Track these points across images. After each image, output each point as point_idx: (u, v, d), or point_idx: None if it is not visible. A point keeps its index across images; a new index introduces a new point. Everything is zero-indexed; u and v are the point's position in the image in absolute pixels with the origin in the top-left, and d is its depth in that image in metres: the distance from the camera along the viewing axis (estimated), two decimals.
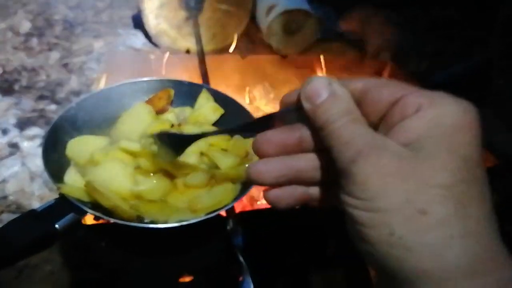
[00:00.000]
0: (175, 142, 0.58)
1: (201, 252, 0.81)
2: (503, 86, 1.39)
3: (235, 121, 0.84)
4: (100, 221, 0.67)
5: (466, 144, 0.29)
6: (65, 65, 1.59)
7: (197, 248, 0.80)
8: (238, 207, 1.03)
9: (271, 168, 0.35)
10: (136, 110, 0.82)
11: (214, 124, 0.85)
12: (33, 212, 0.55)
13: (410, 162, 0.29)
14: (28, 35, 1.67)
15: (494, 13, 1.40)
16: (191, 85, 0.92)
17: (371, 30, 1.37)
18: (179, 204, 0.66)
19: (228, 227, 0.73)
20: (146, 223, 0.61)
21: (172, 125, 0.82)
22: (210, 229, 0.79)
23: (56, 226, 0.54)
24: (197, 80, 1.05)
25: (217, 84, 1.22)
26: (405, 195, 0.28)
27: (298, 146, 0.36)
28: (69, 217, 0.56)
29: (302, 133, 0.35)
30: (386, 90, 0.33)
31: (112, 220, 0.58)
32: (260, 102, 1.24)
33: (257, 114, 1.29)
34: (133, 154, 0.70)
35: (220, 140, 0.77)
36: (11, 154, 1.24)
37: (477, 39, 1.42)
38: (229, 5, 1.46)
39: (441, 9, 1.58)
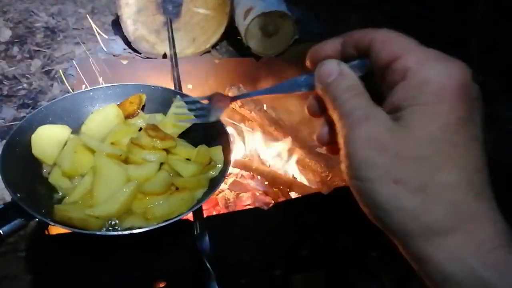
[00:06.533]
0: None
1: (173, 257, 0.81)
2: (483, 83, 1.39)
3: (205, 129, 0.84)
4: (64, 231, 0.67)
5: (445, 113, 0.32)
6: (47, 73, 1.59)
7: (169, 253, 0.81)
8: (211, 211, 1.04)
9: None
10: (105, 111, 0.84)
11: (182, 134, 0.85)
12: None
13: (390, 135, 0.33)
14: (9, 43, 1.67)
15: (473, 11, 1.40)
16: (164, 90, 0.92)
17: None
18: (134, 210, 0.67)
19: (196, 232, 0.74)
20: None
21: (140, 129, 0.83)
22: (181, 234, 0.80)
23: (0, 231, 0.55)
24: (171, 84, 1.05)
25: (193, 86, 1.22)
26: (383, 167, 0.32)
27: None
28: (16, 222, 0.57)
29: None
30: (386, 48, 0.36)
31: (67, 229, 0.59)
32: (235, 104, 1.23)
33: (231, 115, 1.29)
34: (91, 151, 0.72)
35: (183, 150, 0.78)
36: None
37: (457, 37, 1.42)
38: (207, 9, 1.47)
39: (420, 8, 1.58)
